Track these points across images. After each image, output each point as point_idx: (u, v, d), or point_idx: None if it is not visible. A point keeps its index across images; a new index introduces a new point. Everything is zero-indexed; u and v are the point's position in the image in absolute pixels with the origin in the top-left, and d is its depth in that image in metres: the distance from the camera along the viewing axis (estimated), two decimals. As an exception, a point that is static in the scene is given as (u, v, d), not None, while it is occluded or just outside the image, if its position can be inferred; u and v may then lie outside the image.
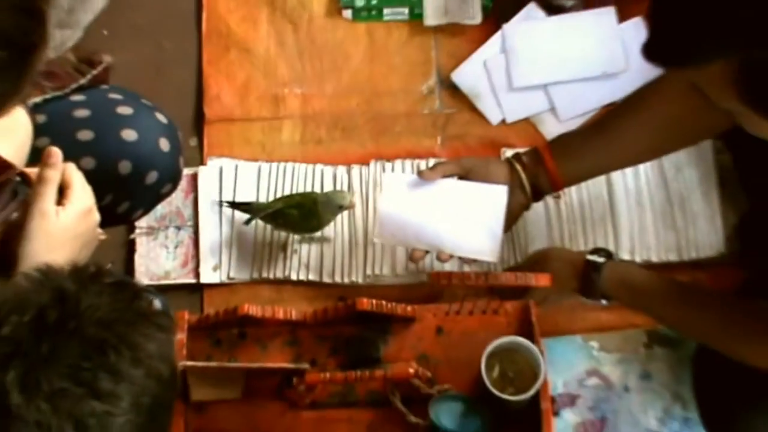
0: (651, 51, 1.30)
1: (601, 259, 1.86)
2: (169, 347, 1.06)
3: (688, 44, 1.27)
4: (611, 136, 1.86)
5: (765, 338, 1.66)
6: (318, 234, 2.15)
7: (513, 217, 1.93)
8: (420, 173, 1.92)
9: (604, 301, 1.87)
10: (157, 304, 1.09)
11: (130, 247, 2.20)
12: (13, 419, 0.92)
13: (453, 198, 1.92)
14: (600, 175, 2.05)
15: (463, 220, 1.92)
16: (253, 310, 1.77)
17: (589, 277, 1.85)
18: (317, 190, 2.21)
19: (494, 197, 1.90)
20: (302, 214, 2.07)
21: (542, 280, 1.73)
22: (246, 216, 2.14)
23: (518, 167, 1.90)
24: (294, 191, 2.21)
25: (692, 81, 1.44)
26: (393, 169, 2.24)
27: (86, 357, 0.95)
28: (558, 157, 1.88)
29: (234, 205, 2.15)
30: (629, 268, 1.94)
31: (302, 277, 2.16)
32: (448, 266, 2.04)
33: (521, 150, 2.03)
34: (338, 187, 2.22)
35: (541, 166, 1.89)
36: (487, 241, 1.92)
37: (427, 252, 1.99)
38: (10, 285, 1.01)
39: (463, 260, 2.07)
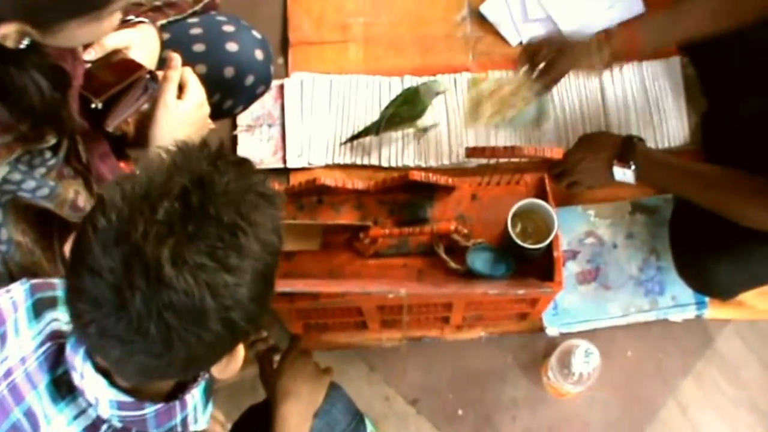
0: None
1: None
2: (278, 221, 0.99)
3: None
4: (683, 13, 1.72)
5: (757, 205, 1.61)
6: (429, 124, 2.10)
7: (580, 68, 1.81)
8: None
9: (630, 174, 1.77)
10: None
11: (233, 141, 2.17)
12: (166, 287, 0.87)
13: None
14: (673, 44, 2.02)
15: None
16: (328, 180, 1.76)
17: (627, 146, 1.77)
18: (376, 96, 2.16)
19: None
20: (410, 106, 2.02)
21: (555, 152, 1.72)
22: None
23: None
24: (357, 98, 2.17)
25: None
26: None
27: (221, 238, 0.90)
28: (643, 29, 1.75)
29: (353, 137, 2.09)
30: (655, 150, 1.96)
31: (365, 162, 2.12)
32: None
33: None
34: (393, 93, 2.14)
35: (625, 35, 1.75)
36: None
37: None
38: (153, 162, 0.94)
39: None
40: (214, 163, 0.94)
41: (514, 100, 1.89)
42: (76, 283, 0.92)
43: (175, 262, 0.87)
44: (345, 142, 2.11)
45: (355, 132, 2.10)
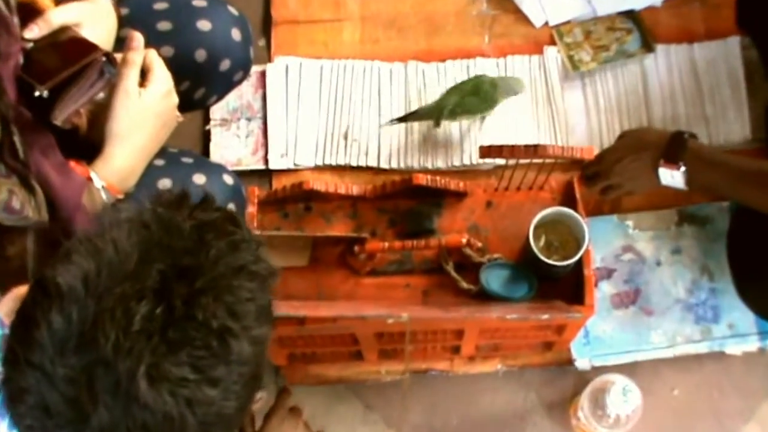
0: None
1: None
2: (271, 305, 0.98)
3: None
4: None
5: None
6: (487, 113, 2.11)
7: None
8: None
9: (679, 177, 1.74)
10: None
11: (206, 138, 2.18)
12: (141, 407, 0.85)
13: None
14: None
15: None
16: (318, 184, 1.76)
17: (677, 143, 1.74)
18: (374, 85, 2.18)
19: None
20: (480, 99, 2.03)
21: (586, 153, 1.72)
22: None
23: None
24: (353, 88, 2.18)
25: None
26: (445, 71, 2.19)
27: (207, 345, 0.87)
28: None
29: (402, 119, 2.09)
30: (710, 147, 1.96)
31: (361, 162, 2.13)
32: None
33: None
34: (395, 81, 2.17)
35: None
36: None
37: None
38: (121, 225, 0.90)
39: None
40: (200, 235, 0.92)
41: (609, 40, 1.94)
42: (16, 377, 0.88)
43: (151, 379, 0.84)
44: (388, 123, 2.11)
45: (396, 116, 2.10)
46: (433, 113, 2.04)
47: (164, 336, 0.85)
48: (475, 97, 2.02)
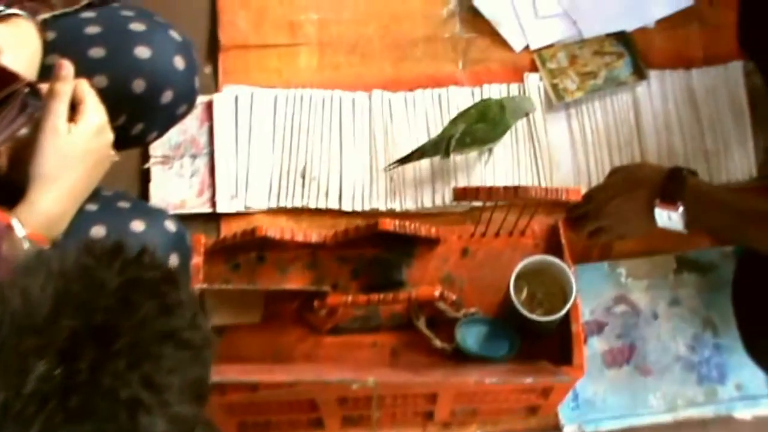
0: None
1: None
2: (206, 382, 0.96)
3: None
4: None
5: None
6: (496, 144, 2.10)
7: None
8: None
9: (677, 218, 1.74)
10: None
11: (145, 177, 2.17)
12: None
13: None
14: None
15: None
16: (272, 231, 1.77)
17: (674, 180, 1.75)
18: (335, 117, 2.18)
19: None
20: (489, 125, 2.03)
21: (572, 194, 1.72)
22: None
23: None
24: (311, 118, 2.18)
25: None
26: (414, 102, 2.19)
27: (113, 417, 0.85)
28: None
29: (403, 160, 2.07)
30: (711, 185, 1.98)
31: (321, 205, 2.12)
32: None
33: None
34: (357, 113, 2.18)
35: None
36: None
37: None
38: (36, 276, 0.89)
39: None
40: (126, 294, 0.91)
41: (597, 66, 1.96)
42: None
43: None
44: (389, 167, 2.10)
45: (392, 159, 2.10)
46: (440, 146, 2.03)
47: (63, 402, 0.83)
48: (483, 124, 2.03)
